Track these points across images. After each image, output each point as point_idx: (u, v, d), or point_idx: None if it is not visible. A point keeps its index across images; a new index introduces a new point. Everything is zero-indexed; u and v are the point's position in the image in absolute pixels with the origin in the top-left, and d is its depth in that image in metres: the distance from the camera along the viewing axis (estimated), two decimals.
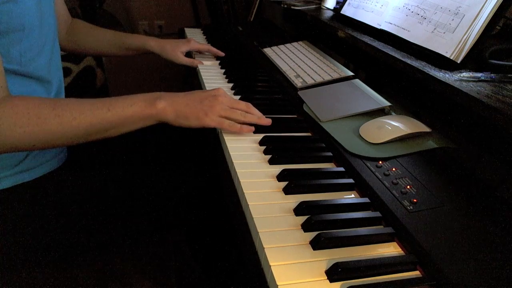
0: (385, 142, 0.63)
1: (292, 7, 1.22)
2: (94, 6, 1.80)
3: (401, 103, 0.77)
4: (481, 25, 0.65)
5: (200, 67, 1.03)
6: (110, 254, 0.66)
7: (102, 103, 0.60)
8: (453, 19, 0.70)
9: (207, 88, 0.89)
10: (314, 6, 1.22)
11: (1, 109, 0.53)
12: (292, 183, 0.55)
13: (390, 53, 0.75)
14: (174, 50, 1.02)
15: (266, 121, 0.70)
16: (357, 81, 0.84)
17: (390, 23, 0.84)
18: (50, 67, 0.70)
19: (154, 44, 1.01)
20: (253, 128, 0.69)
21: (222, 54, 1.10)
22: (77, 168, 0.74)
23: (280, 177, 0.57)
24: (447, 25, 0.70)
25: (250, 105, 0.70)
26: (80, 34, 0.96)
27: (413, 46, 0.75)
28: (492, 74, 0.63)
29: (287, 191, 0.55)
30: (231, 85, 0.92)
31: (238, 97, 0.84)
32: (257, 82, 0.97)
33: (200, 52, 1.11)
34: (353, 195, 0.56)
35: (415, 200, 0.51)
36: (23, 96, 0.57)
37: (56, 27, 0.75)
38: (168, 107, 0.62)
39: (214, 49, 1.10)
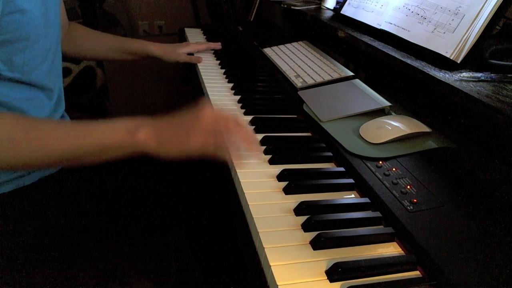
0: (385, 142, 0.63)
1: (292, 7, 1.21)
2: (94, 6, 1.80)
3: (401, 103, 0.77)
4: (481, 25, 0.65)
5: (200, 67, 1.03)
6: (110, 254, 0.66)
7: (79, 130, 0.55)
8: (453, 19, 0.70)
9: (207, 88, 0.89)
10: (314, 6, 1.22)
11: None
12: (292, 183, 0.55)
13: (390, 53, 0.75)
14: (175, 51, 1.04)
15: (255, 148, 0.60)
16: (357, 81, 0.84)
17: (390, 23, 0.84)
18: (51, 74, 0.70)
19: (155, 48, 1.02)
20: (243, 162, 0.59)
21: (219, 45, 1.16)
22: (76, 169, 0.74)
23: (280, 177, 0.57)
24: (447, 25, 0.70)
25: (239, 123, 0.59)
26: (79, 38, 0.95)
27: (413, 46, 0.75)
28: (492, 74, 0.63)
29: (287, 191, 0.55)
30: (231, 85, 0.92)
31: (238, 97, 0.84)
32: (257, 82, 0.97)
33: (200, 52, 1.12)
34: (353, 195, 0.56)
35: (415, 200, 0.51)
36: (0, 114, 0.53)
37: (60, 35, 0.74)
38: (150, 138, 0.55)
39: (212, 44, 1.15)
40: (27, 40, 0.59)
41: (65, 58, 0.78)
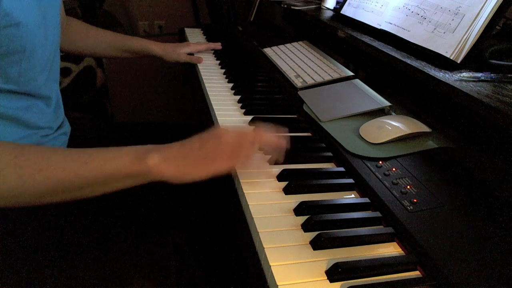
0: (385, 142, 0.63)
1: (292, 7, 1.21)
2: (94, 6, 1.80)
3: (401, 103, 0.77)
4: (481, 25, 0.65)
5: (200, 67, 1.03)
6: (110, 254, 0.66)
7: (78, 154, 0.49)
8: (453, 19, 0.70)
9: (207, 88, 0.89)
10: (314, 6, 1.22)
11: None
12: (292, 183, 0.55)
13: (390, 53, 0.75)
14: (176, 50, 1.04)
15: (283, 143, 0.58)
16: (357, 81, 0.84)
17: (390, 23, 0.84)
18: (49, 82, 0.68)
19: (156, 47, 1.02)
20: (272, 172, 0.57)
21: (219, 46, 1.16)
22: None
23: (280, 177, 0.57)
24: (447, 25, 0.70)
25: (259, 129, 0.57)
26: (78, 35, 0.94)
27: (413, 46, 0.75)
28: (492, 74, 0.63)
29: (287, 191, 0.55)
30: (231, 85, 0.92)
31: (238, 97, 0.84)
32: (257, 82, 0.97)
33: (200, 52, 1.12)
34: (353, 195, 0.56)
35: (415, 200, 0.51)
36: None
37: (59, 39, 0.73)
38: (163, 162, 0.50)
39: (212, 44, 1.15)
40: (23, 53, 0.57)
41: (65, 57, 0.77)
